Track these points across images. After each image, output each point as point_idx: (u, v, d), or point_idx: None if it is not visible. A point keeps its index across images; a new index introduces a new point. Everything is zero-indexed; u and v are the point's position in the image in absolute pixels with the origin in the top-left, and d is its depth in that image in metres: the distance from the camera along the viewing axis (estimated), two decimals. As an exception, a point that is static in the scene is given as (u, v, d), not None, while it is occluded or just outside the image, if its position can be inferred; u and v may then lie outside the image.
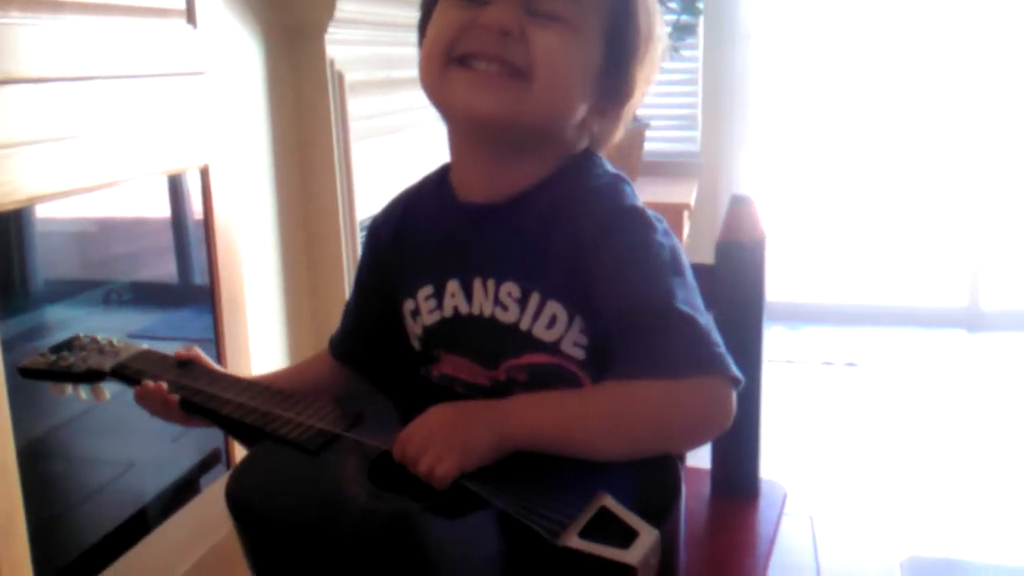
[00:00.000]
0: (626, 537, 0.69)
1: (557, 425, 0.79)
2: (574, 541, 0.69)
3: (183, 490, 1.62)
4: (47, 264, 1.40)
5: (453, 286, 0.90)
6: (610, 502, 0.72)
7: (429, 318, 0.92)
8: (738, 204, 0.94)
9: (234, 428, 0.92)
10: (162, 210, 1.64)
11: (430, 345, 0.94)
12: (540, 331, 0.85)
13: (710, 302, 0.84)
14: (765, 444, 1.07)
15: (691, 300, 0.81)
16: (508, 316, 0.86)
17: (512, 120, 0.83)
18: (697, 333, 0.78)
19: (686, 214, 2.78)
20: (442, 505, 0.75)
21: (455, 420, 0.80)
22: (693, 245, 3.21)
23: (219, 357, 1.72)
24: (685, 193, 2.94)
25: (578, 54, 0.83)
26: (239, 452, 1.71)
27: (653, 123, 3.19)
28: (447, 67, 0.83)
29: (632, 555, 0.67)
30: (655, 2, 0.90)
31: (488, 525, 0.73)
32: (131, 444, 1.53)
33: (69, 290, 1.50)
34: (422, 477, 0.76)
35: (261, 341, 1.85)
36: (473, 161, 0.90)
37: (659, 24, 0.90)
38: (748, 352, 0.92)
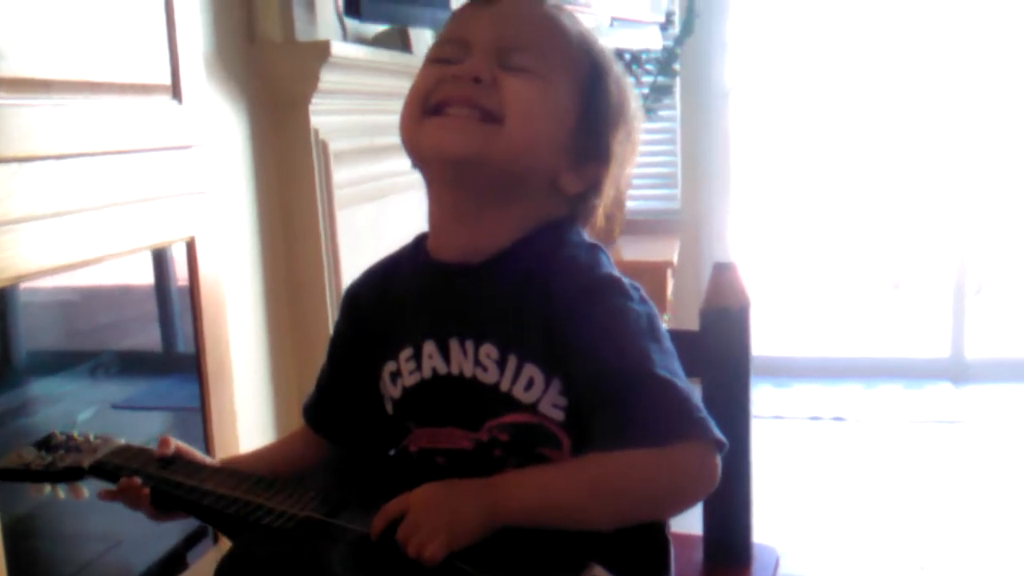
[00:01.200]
0: None
1: (545, 500, 0.80)
2: None
3: (170, 566, 1.59)
4: (31, 336, 1.40)
5: (430, 347, 0.90)
6: (600, 572, 0.72)
7: (410, 379, 0.92)
8: (721, 270, 0.95)
9: (215, 519, 0.91)
10: (146, 278, 1.64)
11: (408, 410, 0.93)
12: (519, 392, 0.85)
13: (696, 368, 0.85)
14: (755, 502, 1.07)
15: (669, 365, 0.81)
16: (488, 377, 0.86)
17: (481, 159, 0.84)
18: (677, 398, 0.78)
19: (669, 272, 2.79)
20: None
21: (444, 499, 0.80)
22: (676, 303, 3.23)
23: (205, 425, 1.71)
24: (667, 251, 2.97)
25: (549, 103, 0.86)
26: (227, 525, 1.69)
27: (634, 182, 3.23)
28: (422, 118, 0.86)
29: None
30: (626, 78, 0.93)
31: None
32: (117, 520, 1.51)
33: (54, 362, 1.49)
34: (411, 556, 0.76)
35: (247, 410, 1.84)
36: (448, 217, 0.91)
37: (632, 99, 0.93)
38: (736, 418, 0.92)
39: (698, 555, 1.06)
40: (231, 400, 1.77)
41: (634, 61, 2.99)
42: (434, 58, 0.89)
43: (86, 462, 1.00)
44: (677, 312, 3.28)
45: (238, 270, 1.80)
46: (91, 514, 1.47)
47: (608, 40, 2.91)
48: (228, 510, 0.88)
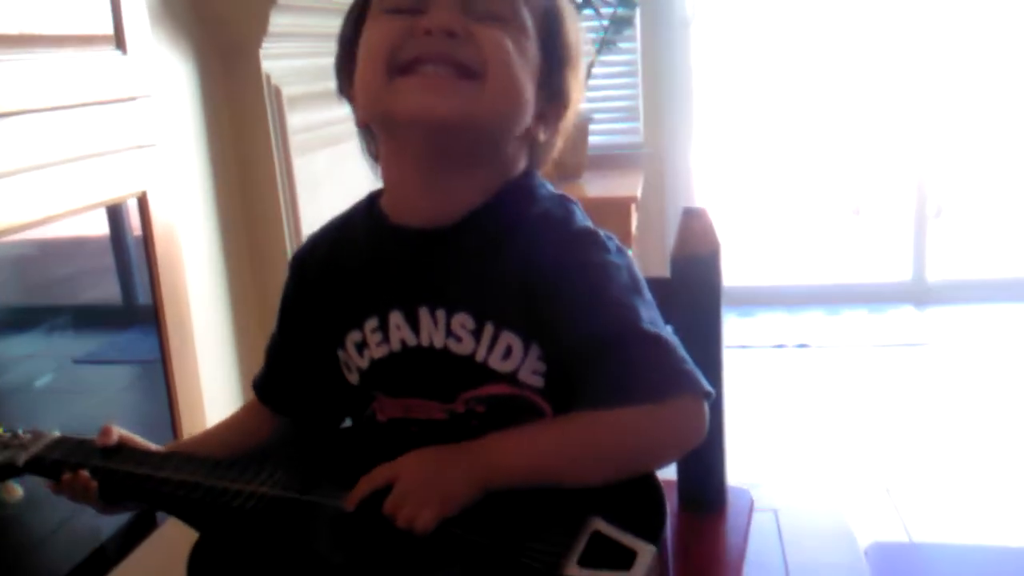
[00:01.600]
0: (625, 558, 0.69)
1: (535, 462, 0.78)
2: (575, 571, 0.68)
3: (140, 526, 1.58)
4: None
5: (396, 318, 0.85)
6: (602, 525, 0.72)
7: (377, 351, 0.87)
8: (691, 216, 0.93)
9: (176, 507, 0.87)
10: (102, 230, 1.60)
11: (376, 381, 0.89)
12: (496, 362, 0.82)
13: (667, 315, 0.83)
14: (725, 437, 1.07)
15: (654, 319, 0.80)
16: (463, 348, 0.83)
17: (469, 121, 0.79)
18: (665, 353, 0.77)
19: (633, 207, 2.78)
20: (429, 556, 0.73)
21: (431, 466, 0.78)
22: (641, 238, 3.22)
23: (167, 379, 1.69)
24: (631, 186, 2.95)
25: (524, 53, 0.81)
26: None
27: (596, 116, 3.19)
28: (391, 77, 0.79)
29: (635, 574, 0.67)
30: (575, 13, 0.89)
31: (482, 570, 0.72)
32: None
33: (11, 318, 1.46)
34: (401, 527, 0.74)
35: (210, 362, 1.82)
36: (413, 179, 0.85)
37: (583, 37, 0.90)
38: (708, 363, 0.91)
39: (673, 501, 1.05)
40: (193, 354, 1.74)
41: (593, -8, 2.94)
42: (389, 7, 0.81)
43: (21, 459, 0.94)
44: (641, 247, 3.28)
45: (194, 222, 1.76)
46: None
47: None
48: (192, 496, 0.84)
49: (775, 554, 1.49)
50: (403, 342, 0.85)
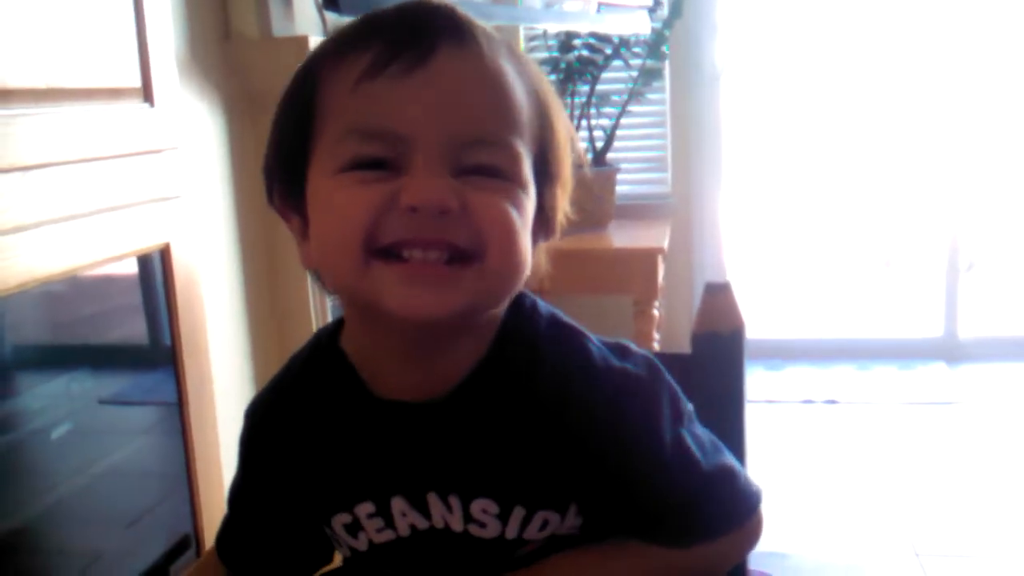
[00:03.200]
0: None
1: None
2: None
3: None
4: (14, 330, 1.36)
5: (400, 504, 0.73)
6: None
7: (379, 536, 0.75)
8: (713, 292, 0.91)
9: None
10: (130, 270, 1.60)
11: (379, 561, 0.77)
12: (532, 534, 0.74)
13: (688, 392, 0.81)
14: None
15: (707, 451, 0.74)
16: (488, 532, 0.73)
17: (466, 314, 0.66)
18: (735, 481, 0.75)
19: (660, 258, 2.76)
20: None
21: None
22: (668, 288, 3.20)
23: (183, 425, 1.68)
24: (658, 237, 2.93)
25: (525, 211, 0.68)
26: (209, 537, 1.66)
27: (624, 167, 3.18)
28: (368, 261, 0.64)
29: None
30: (560, 105, 0.75)
31: None
32: (97, 535, 1.49)
33: (38, 356, 1.46)
34: None
35: (228, 409, 1.81)
36: (392, 353, 0.72)
37: (569, 127, 0.76)
38: (730, 440, 0.88)
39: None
40: (211, 401, 1.74)
41: (623, 45, 2.94)
42: (358, 159, 0.65)
43: None
44: (668, 297, 3.25)
45: (218, 272, 1.76)
46: (73, 528, 1.44)
47: (596, 26, 2.86)
48: None
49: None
50: (413, 527, 0.74)
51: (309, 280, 1.92)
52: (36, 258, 1.25)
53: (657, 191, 3.50)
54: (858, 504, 2.35)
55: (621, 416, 0.71)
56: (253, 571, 0.84)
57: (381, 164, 0.65)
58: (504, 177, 0.66)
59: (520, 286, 0.70)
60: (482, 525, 0.72)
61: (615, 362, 0.73)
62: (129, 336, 1.72)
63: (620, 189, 3.11)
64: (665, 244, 2.94)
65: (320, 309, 1.94)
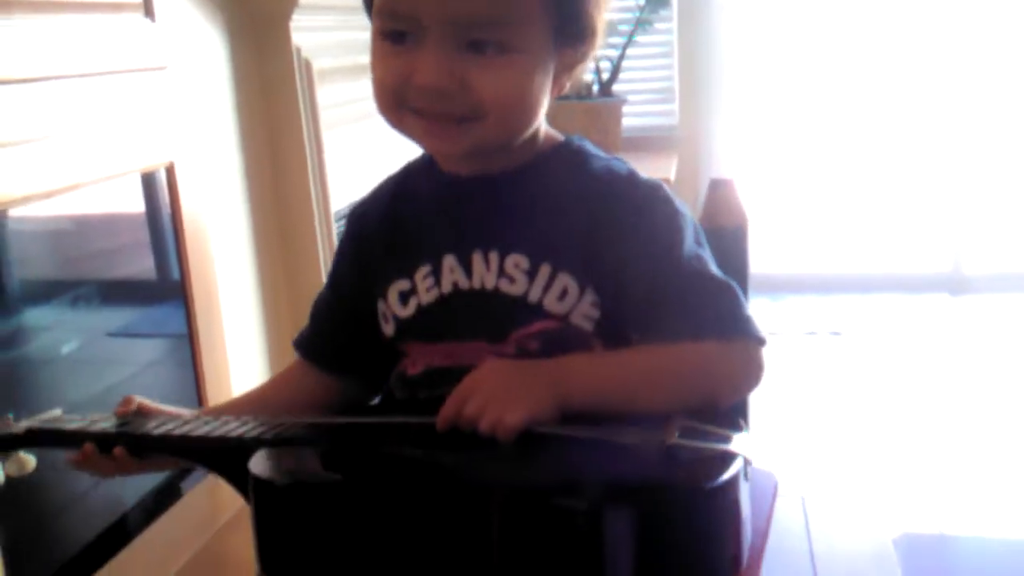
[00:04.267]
0: (720, 440, 0.71)
1: (608, 382, 0.80)
2: (677, 439, 0.70)
3: (163, 497, 1.59)
4: (22, 264, 1.37)
5: (450, 261, 0.87)
6: (688, 422, 0.73)
7: (427, 296, 0.88)
8: (717, 187, 0.91)
9: (209, 456, 0.84)
10: (137, 206, 1.61)
11: (419, 328, 0.89)
12: (551, 303, 0.83)
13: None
14: (752, 421, 1.04)
15: (716, 268, 0.83)
16: (515, 288, 0.84)
17: (475, 152, 0.83)
18: (733, 299, 0.81)
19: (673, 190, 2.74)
20: (528, 449, 0.72)
21: (513, 374, 0.79)
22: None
23: (194, 354, 1.69)
24: (665, 168, 2.92)
25: (528, 78, 0.80)
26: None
27: (630, 98, 3.16)
28: (401, 111, 0.82)
29: (736, 447, 0.70)
30: None
31: (580, 452, 0.72)
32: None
33: (46, 290, 1.47)
34: (486, 431, 0.74)
35: (237, 336, 1.82)
36: (457, 156, 0.88)
37: None
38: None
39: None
40: (220, 327, 1.75)
41: (628, -29, 2.90)
42: (386, 31, 0.80)
43: (20, 426, 0.93)
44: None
45: (223, 196, 1.76)
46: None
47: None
48: (230, 434, 0.82)
49: (801, 541, 1.47)
50: (455, 284, 0.86)
51: (314, 203, 1.93)
52: (37, 173, 1.25)
53: (664, 123, 3.48)
54: (861, 434, 2.36)
55: (652, 211, 0.83)
56: (334, 366, 0.98)
57: (405, 35, 0.78)
58: (511, 49, 0.78)
59: (526, 130, 0.84)
60: (511, 280, 0.84)
61: (657, 180, 0.86)
62: (136, 272, 1.73)
63: (626, 121, 3.09)
64: (672, 176, 2.93)
65: (326, 232, 1.94)
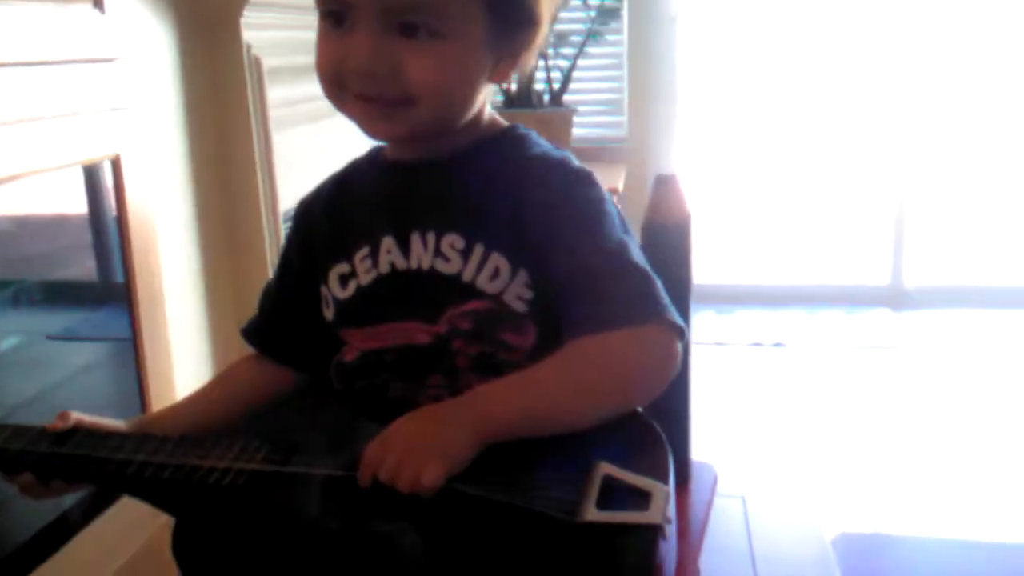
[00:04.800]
0: (640, 499, 0.69)
1: (525, 403, 0.78)
2: (593, 515, 0.68)
3: (105, 494, 1.56)
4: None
5: (388, 242, 0.88)
6: (611, 469, 0.71)
7: (365, 277, 0.89)
8: (663, 184, 0.92)
9: (144, 490, 0.82)
10: (80, 208, 1.59)
11: (357, 310, 0.90)
12: (483, 283, 0.84)
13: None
14: (695, 426, 1.06)
15: (641, 257, 0.83)
16: (450, 267, 0.85)
17: (413, 136, 0.87)
18: (648, 286, 0.80)
19: (615, 199, 2.77)
20: (438, 515, 0.71)
21: (425, 426, 0.76)
22: (622, 230, 3.21)
23: (138, 357, 1.67)
24: (614, 178, 2.94)
25: (457, 61, 0.82)
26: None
27: (580, 108, 3.18)
28: (342, 95, 0.84)
29: (654, 514, 0.68)
30: None
31: (496, 522, 0.70)
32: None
33: None
34: (405, 492, 0.72)
35: (182, 338, 1.79)
36: (399, 142, 0.92)
37: None
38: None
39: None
40: (165, 328, 1.72)
41: (580, -17, 2.93)
42: (324, 12, 0.83)
43: None
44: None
45: (169, 192, 1.74)
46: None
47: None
48: (159, 476, 0.80)
49: (742, 540, 1.49)
50: (392, 265, 0.88)
51: (262, 203, 1.91)
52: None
53: (613, 134, 3.51)
54: (804, 443, 2.40)
55: (578, 195, 0.85)
56: (282, 354, 0.99)
57: (339, 17, 0.81)
58: (442, 35, 0.80)
59: (461, 114, 0.86)
60: (446, 260, 0.85)
61: (589, 170, 0.88)
62: (78, 274, 1.71)
63: (576, 131, 3.12)
64: (620, 186, 2.96)
65: (273, 232, 1.92)
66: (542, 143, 0.91)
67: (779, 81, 3.59)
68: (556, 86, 3.03)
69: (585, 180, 0.86)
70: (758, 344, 3.23)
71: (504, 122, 0.93)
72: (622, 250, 0.82)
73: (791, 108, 3.63)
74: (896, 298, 3.58)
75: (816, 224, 3.79)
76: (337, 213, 0.95)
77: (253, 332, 1.02)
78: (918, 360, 3.01)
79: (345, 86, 0.83)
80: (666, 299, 0.80)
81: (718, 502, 1.06)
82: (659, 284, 0.81)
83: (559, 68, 3.04)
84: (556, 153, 0.89)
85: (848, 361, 3.04)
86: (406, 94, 0.81)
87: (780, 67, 3.57)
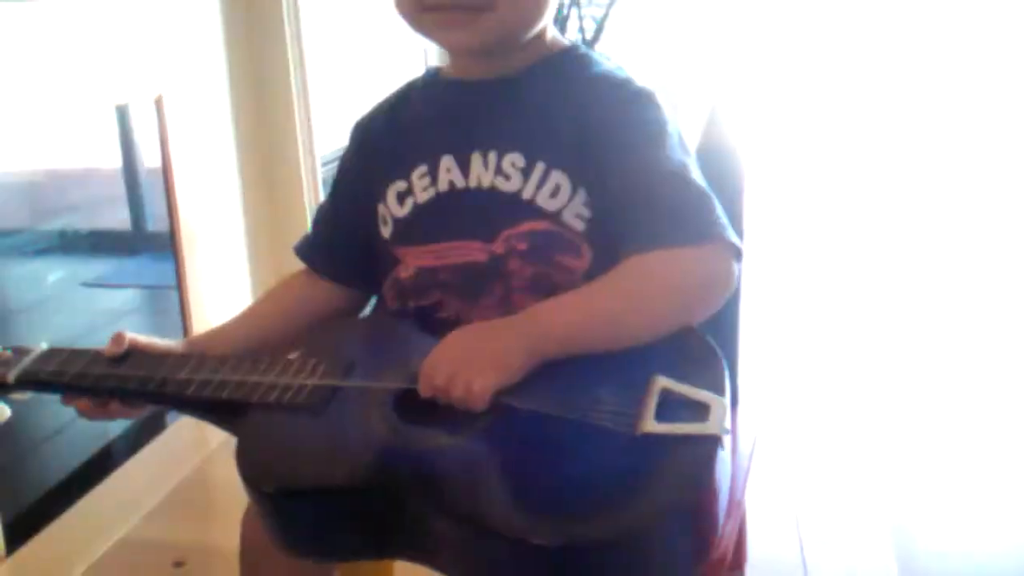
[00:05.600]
0: (698, 411, 0.69)
1: (583, 319, 0.78)
2: (652, 426, 0.68)
3: (148, 427, 1.59)
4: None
5: (448, 162, 0.88)
6: (668, 382, 0.71)
7: (423, 195, 0.89)
8: (718, 111, 0.92)
9: (206, 408, 0.82)
10: (115, 162, 1.61)
11: (415, 228, 0.90)
12: (543, 200, 0.84)
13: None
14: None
15: (701, 178, 0.83)
16: (510, 185, 0.85)
17: (489, 46, 0.86)
18: (708, 205, 0.80)
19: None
20: (496, 428, 0.71)
21: (481, 337, 0.77)
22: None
23: (182, 303, 1.69)
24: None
25: None
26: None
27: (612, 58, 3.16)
28: (419, 13, 0.85)
29: (713, 425, 0.67)
30: None
31: (554, 436, 0.70)
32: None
33: (22, 240, 1.47)
34: (458, 402, 0.72)
35: (224, 283, 1.81)
36: (464, 57, 0.92)
37: None
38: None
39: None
40: (208, 273, 1.74)
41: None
42: None
43: (11, 375, 0.85)
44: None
45: (210, 134, 1.75)
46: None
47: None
48: (220, 394, 0.79)
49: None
50: (451, 183, 0.88)
51: (299, 144, 1.92)
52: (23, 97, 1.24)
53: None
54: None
55: (639, 113, 0.85)
56: (335, 272, 0.99)
57: None
58: None
59: (535, 22, 0.87)
60: (507, 177, 0.86)
61: (652, 89, 0.87)
62: (112, 224, 1.73)
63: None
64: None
65: (312, 174, 1.93)
66: (605, 62, 0.91)
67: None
68: (590, 35, 3.00)
69: (647, 100, 0.86)
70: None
71: (566, 41, 0.93)
72: (683, 170, 0.82)
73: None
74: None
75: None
76: (395, 132, 0.95)
77: (307, 249, 1.01)
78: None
79: (425, 5, 0.84)
80: (725, 219, 0.80)
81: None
82: (718, 204, 0.81)
83: (593, 16, 3.01)
84: (619, 72, 0.89)
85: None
86: (487, 2, 0.82)
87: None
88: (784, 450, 1.86)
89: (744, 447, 0.95)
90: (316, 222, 1.03)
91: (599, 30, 3.01)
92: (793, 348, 2.50)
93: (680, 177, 0.81)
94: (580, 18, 2.99)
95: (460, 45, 0.88)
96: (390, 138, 0.95)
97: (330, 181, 1.02)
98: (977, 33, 3.47)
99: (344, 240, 0.98)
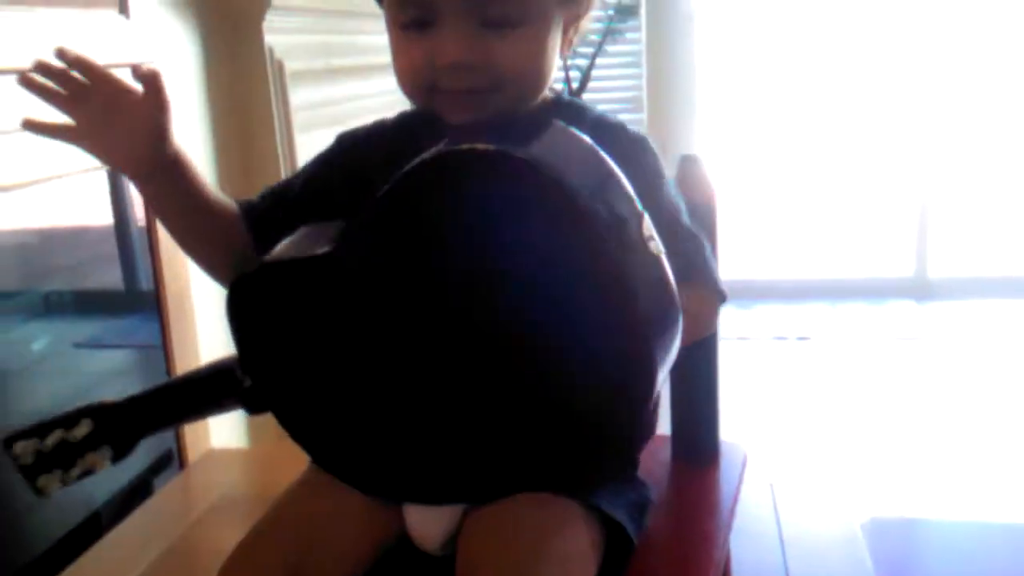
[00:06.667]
0: None
1: None
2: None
3: (135, 493, 1.58)
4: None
5: None
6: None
7: None
8: (687, 164, 0.93)
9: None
10: (105, 217, 1.61)
11: None
12: None
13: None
14: (722, 416, 1.06)
15: (690, 221, 0.87)
16: None
17: (502, 115, 0.88)
18: (700, 247, 0.85)
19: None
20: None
21: None
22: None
23: (168, 363, 1.69)
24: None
25: (541, 45, 0.87)
26: (192, 453, 1.67)
27: (599, 107, 3.19)
28: (429, 93, 0.88)
29: None
30: None
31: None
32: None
33: (11, 302, 1.46)
34: None
35: (210, 345, 1.81)
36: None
37: None
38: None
39: (666, 453, 1.05)
40: (194, 337, 1.74)
41: (597, -20, 2.94)
42: (402, 23, 0.87)
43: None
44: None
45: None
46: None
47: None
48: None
49: (771, 526, 1.49)
50: None
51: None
52: (7, 166, 1.24)
53: (632, 132, 3.50)
54: (829, 437, 2.39)
55: (638, 157, 0.88)
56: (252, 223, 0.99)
57: (422, 23, 0.84)
58: (523, 22, 0.84)
59: (541, 93, 0.90)
60: None
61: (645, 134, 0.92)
62: (104, 283, 1.73)
63: (595, 129, 3.12)
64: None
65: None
66: (594, 108, 0.94)
67: (798, 78, 3.59)
68: (575, 85, 3.04)
69: (644, 143, 0.90)
70: (782, 338, 3.22)
71: (552, 93, 0.95)
72: (679, 213, 0.86)
73: (810, 103, 3.63)
74: (920, 289, 3.56)
75: (839, 217, 3.78)
76: (396, 154, 0.89)
77: (248, 206, 1.01)
78: (943, 352, 3.00)
79: (436, 85, 0.86)
80: (713, 263, 0.84)
81: (746, 489, 1.07)
82: (709, 251, 0.85)
83: (578, 67, 3.05)
84: (612, 118, 0.93)
85: (873, 353, 3.02)
86: (496, 82, 0.85)
87: (799, 63, 3.57)
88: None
89: (724, 504, 0.95)
90: (272, 191, 1.02)
91: (585, 80, 3.04)
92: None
93: (677, 221, 0.85)
94: (566, 69, 3.02)
95: (465, 122, 0.89)
96: (389, 156, 0.89)
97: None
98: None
99: (289, 219, 0.93)
